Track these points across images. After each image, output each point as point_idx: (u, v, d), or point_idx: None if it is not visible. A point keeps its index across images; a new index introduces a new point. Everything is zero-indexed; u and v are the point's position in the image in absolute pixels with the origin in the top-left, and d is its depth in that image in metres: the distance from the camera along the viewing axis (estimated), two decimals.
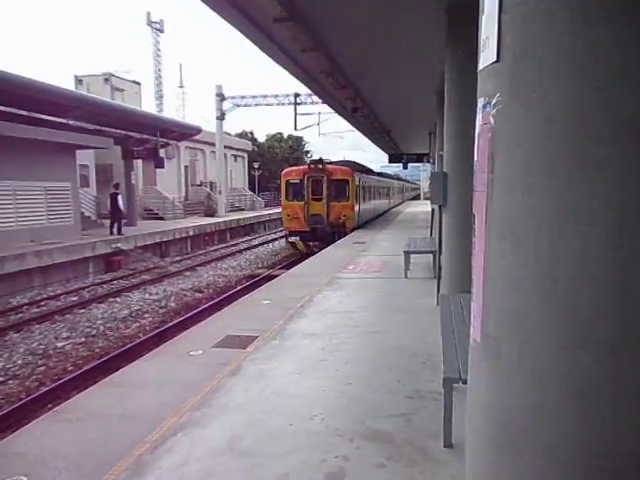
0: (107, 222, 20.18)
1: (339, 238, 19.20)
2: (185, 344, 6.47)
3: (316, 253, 15.37)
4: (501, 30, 1.46)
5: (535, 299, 1.43)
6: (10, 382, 8.18)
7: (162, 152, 27.26)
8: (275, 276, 13.22)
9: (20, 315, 12.14)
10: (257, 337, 6.64)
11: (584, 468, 1.41)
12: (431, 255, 11.14)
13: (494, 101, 1.49)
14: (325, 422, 4.21)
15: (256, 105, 32.67)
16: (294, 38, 8.45)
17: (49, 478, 3.49)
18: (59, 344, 9.98)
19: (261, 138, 61.58)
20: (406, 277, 10.84)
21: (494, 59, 1.48)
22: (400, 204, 55.62)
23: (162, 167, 26.63)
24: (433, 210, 13.82)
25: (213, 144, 34.07)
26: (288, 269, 12.31)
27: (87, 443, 3.97)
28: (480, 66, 1.61)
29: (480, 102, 1.59)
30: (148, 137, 23.96)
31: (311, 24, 8.27)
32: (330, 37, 9.20)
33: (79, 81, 32.00)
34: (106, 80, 32.16)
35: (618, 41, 1.31)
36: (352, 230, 21.40)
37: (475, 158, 1.65)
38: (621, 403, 1.36)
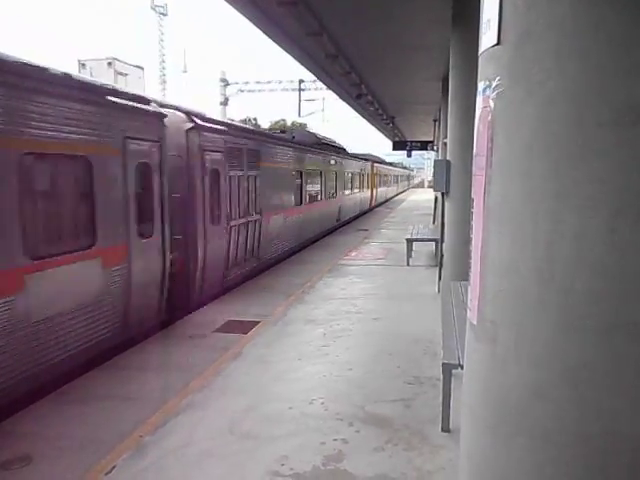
0: None
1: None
2: (187, 328, 6.52)
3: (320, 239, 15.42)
4: (502, 12, 1.45)
5: (532, 282, 1.43)
6: None
7: None
8: None
9: None
10: (258, 322, 6.68)
11: (579, 449, 1.42)
12: (433, 243, 11.14)
13: (494, 84, 1.49)
14: (325, 406, 4.25)
15: (260, 91, 32.45)
16: (298, 22, 8.37)
17: (52, 457, 3.55)
18: None
19: (264, 125, 61.23)
20: (408, 265, 10.86)
21: (495, 42, 1.47)
22: (406, 191, 57.19)
23: None
24: (436, 198, 13.77)
25: None
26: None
27: (90, 424, 4.02)
28: (481, 49, 1.59)
29: (480, 86, 1.58)
30: None
31: (315, 7, 8.18)
32: (334, 21, 9.10)
33: (82, 65, 31.81)
34: (109, 64, 31.94)
35: (621, 24, 1.30)
36: (372, 209, 27.97)
37: (475, 142, 1.64)
38: (617, 385, 1.37)
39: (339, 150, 19.62)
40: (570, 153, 1.37)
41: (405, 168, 64.95)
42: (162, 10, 44.84)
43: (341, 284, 9.07)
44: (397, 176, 47.08)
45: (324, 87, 20.19)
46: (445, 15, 7.32)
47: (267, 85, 32.24)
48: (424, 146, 23.33)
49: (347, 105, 20.63)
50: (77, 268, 4.88)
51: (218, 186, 8.05)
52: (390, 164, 42.59)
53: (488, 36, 1.52)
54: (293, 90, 30.42)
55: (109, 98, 5.42)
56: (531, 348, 1.47)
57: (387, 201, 36.57)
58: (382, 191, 33.83)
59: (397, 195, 46.64)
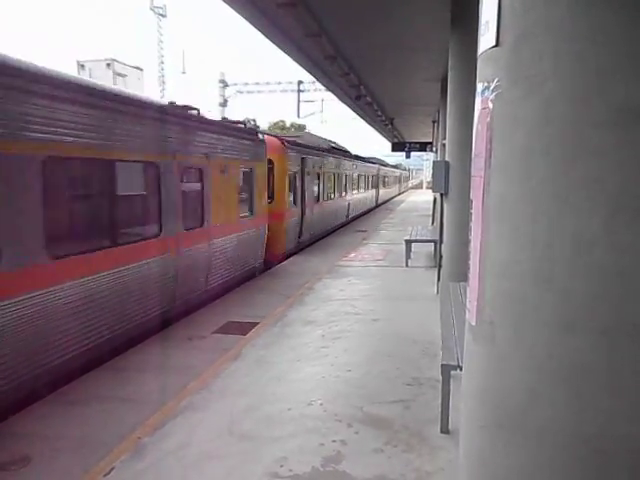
0: None
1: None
2: (186, 329, 6.52)
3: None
4: (501, 14, 1.45)
5: (531, 283, 1.43)
6: None
7: None
8: None
9: None
10: (258, 323, 6.68)
11: (576, 450, 1.42)
12: (432, 244, 11.14)
13: (493, 85, 1.49)
14: (324, 407, 4.25)
15: (259, 92, 32.51)
16: (297, 23, 8.38)
17: (51, 458, 3.55)
18: None
19: (263, 126, 61.19)
20: (407, 266, 10.86)
21: (493, 43, 1.47)
22: (398, 195, 49.89)
23: None
24: (435, 199, 13.79)
25: None
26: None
27: (89, 425, 4.02)
28: (480, 50, 1.60)
29: (479, 87, 1.59)
30: None
31: (314, 9, 8.19)
32: (333, 22, 9.11)
33: (81, 66, 31.72)
34: (108, 65, 31.86)
35: (618, 26, 1.30)
36: (286, 257, 12.24)
37: (473, 143, 1.65)
38: (615, 386, 1.37)
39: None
40: (569, 154, 1.37)
41: (396, 167, 50.37)
42: (161, 11, 44.81)
43: (340, 285, 9.07)
44: (378, 177, 31.89)
45: (323, 88, 20.21)
46: (444, 17, 7.33)
47: (266, 86, 32.30)
48: (423, 147, 23.37)
49: (346, 106, 20.65)
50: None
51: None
52: (369, 160, 29.79)
53: (486, 37, 1.52)
54: (292, 91, 30.49)
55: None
56: (529, 349, 1.47)
57: (348, 224, 20.90)
58: (326, 209, 17.01)
59: (385, 203, 35.06)
